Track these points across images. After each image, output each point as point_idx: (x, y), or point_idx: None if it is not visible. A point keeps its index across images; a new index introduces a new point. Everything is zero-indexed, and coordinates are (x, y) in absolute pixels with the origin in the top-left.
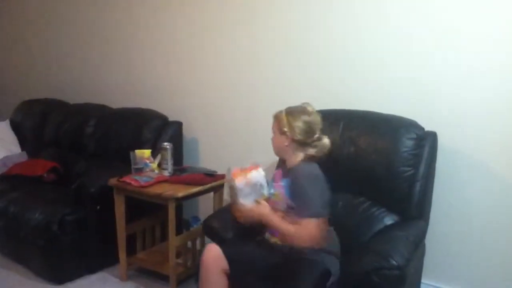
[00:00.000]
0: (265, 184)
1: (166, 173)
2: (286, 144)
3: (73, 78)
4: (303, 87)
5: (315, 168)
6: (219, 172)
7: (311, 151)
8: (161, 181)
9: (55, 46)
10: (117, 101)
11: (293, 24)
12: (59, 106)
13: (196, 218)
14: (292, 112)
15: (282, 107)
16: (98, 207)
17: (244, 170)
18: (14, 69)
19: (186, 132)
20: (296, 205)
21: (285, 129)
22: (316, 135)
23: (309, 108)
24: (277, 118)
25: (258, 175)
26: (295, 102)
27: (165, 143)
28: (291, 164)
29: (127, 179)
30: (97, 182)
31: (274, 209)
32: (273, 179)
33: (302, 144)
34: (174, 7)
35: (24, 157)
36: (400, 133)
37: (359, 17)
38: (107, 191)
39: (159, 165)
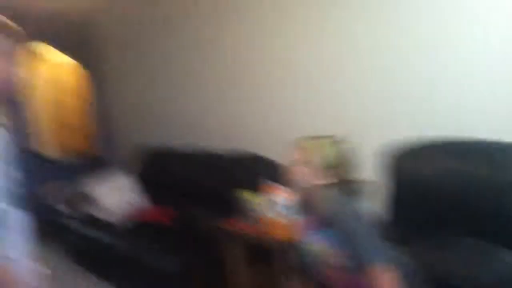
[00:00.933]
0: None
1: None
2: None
3: (185, 125)
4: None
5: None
6: None
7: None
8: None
9: (167, 99)
10: (226, 145)
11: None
12: (174, 154)
13: None
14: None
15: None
16: (211, 251)
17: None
18: (132, 122)
19: None
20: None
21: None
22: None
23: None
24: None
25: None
26: None
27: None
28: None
29: (238, 223)
30: (212, 225)
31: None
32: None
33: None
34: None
35: (145, 204)
36: None
37: None
38: (222, 234)
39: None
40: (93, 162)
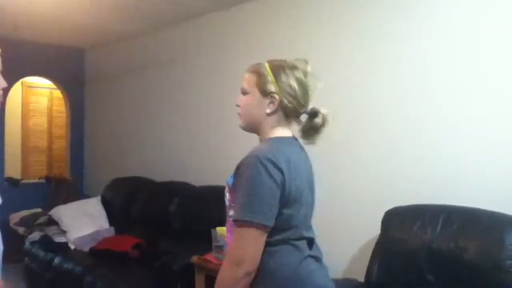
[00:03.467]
0: None
1: None
2: (269, 111)
3: (159, 157)
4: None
5: (272, 148)
6: None
7: (299, 127)
8: None
9: (143, 129)
10: (200, 179)
11: None
12: (145, 184)
13: None
14: (282, 66)
15: None
16: (179, 286)
17: None
18: (106, 150)
19: None
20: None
21: (272, 89)
22: (310, 107)
23: (303, 65)
24: (256, 72)
25: None
26: None
27: None
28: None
29: (208, 257)
30: (179, 260)
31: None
32: None
33: (291, 115)
34: None
35: (111, 232)
36: (506, 228)
37: None
38: (190, 269)
39: None
40: (62, 186)
